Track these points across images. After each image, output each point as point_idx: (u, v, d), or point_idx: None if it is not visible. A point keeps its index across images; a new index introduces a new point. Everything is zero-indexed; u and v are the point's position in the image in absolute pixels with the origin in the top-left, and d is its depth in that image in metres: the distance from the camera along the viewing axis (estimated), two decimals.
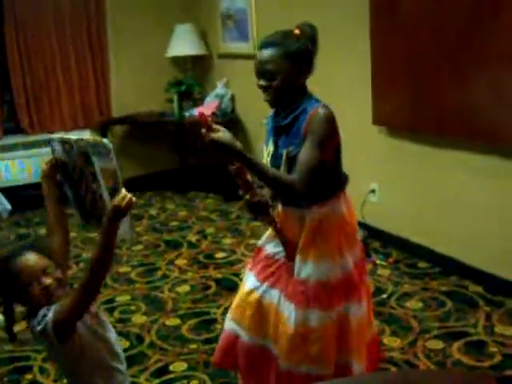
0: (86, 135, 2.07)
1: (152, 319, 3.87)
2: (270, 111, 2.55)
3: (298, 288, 2.48)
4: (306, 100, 2.41)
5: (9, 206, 4.28)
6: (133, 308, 4.05)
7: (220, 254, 4.90)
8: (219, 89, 6.60)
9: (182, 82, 6.71)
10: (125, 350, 3.41)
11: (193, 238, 5.31)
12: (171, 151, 7.15)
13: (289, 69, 2.33)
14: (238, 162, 2.31)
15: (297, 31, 2.38)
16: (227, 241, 5.20)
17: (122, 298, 4.20)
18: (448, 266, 4.22)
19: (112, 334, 2.20)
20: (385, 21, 4.29)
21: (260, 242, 2.72)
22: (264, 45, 2.37)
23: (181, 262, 4.79)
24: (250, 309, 2.61)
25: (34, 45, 6.28)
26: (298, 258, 2.48)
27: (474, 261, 4.03)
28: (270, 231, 2.66)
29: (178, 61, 6.98)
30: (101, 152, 2.00)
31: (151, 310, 4.00)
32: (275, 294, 2.57)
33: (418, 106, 4.17)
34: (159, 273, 4.60)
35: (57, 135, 2.23)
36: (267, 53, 2.34)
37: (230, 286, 4.26)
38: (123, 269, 4.69)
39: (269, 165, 2.46)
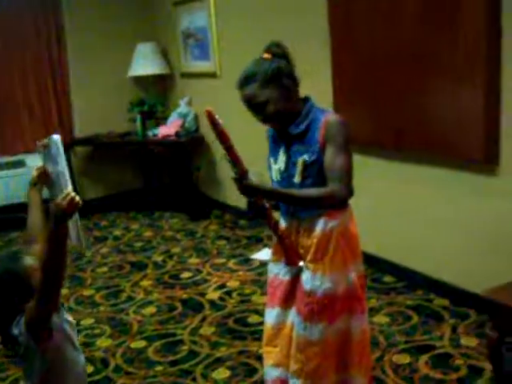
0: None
1: (117, 342, 3.81)
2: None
3: (304, 299, 2.48)
4: (312, 108, 2.47)
5: None
6: (97, 331, 3.98)
7: (186, 274, 4.86)
8: (182, 108, 6.59)
9: (145, 102, 6.70)
10: (89, 375, 3.37)
11: (158, 259, 5.26)
12: (135, 171, 7.11)
13: (275, 92, 2.38)
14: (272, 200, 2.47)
15: (266, 55, 2.43)
16: (193, 260, 5.16)
17: (86, 322, 4.13)
18: (413, 280, 4.24)
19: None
20: (343, 38, 4.33)
21: (270, 274, 2.70)
22: (242, 83, 2.41)
23: (146, 283, 4.74)
24: (287, 343, 2.59)
25: None
26: (307, 269, 2.48)
27: (438, 274, 4.05)
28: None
29: (140, 80, 6.95)
30: (53, 152, 1.99)
31: (116, 333, 3.93)
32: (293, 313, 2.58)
33: (378, 122, 4.21)
34: (124, 295, 4.54)
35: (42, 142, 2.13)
36: (249, 89, 2.39)
37: (196, 307, 4.23)
38: (87, 291, 4.62)
39: (280, 175, 2.51)
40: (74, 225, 1.94)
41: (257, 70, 2.38)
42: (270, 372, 2.65)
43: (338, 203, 2.42)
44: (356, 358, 2.54)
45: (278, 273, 2.64)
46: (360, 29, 4.20)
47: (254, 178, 2.35)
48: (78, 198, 1.83)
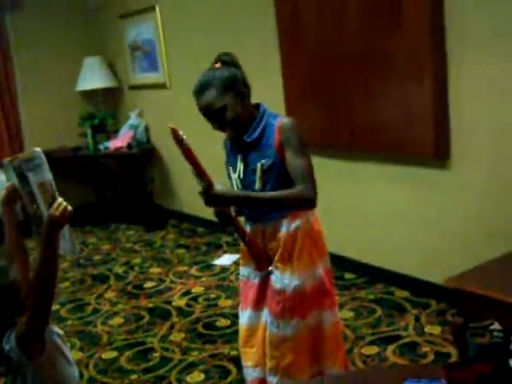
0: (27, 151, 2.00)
1: (88, 354, 3.83)
2: (223, 135, 2.61)
3: (274, 298, 2.55)
4: (265, 114, 2.52)
5: None
6: (67, 345, 3.97)
7: (149, 284, 4.89)
8: (132, 120, 6.61)
9: (95, 116, 6.70)
10: None
11: (119, 270, 5.28)
12: (88, 185, 7.08)
13: (231, 98, 2.42)
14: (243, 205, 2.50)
15: (218, 64, 2.49)
16: (154, 270, 5.20)
17: None
18: (373, 274, 4.38)
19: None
20: (293, 42, 4.44)
21: (241, 277, 2.76)
22: (198, 91, 2.44)
23: (110, 294, 4.76)
24: (261, 343, 2.64)
25: None
26: (276, 269, 2.54)
27: (397, 267, 4.19)
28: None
29: (89, 94, 6.94)
30: (36, 165, 1.96)
31: (86, 346, 3.95)
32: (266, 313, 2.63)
33: (330, 123, 4.32)
34: (89, 308, 4.55)
35: (7, 159, 2.11)
36: (206, 96, 2.42)
37: (162, 314, 4.27)
38: (52, 307, 4.59)
39: (239, 183, 2.55)
40: (66, 232, 1.96)
41: (212, 77, 2.42)
42: (249, 373, 2.71)
43: (304, 203, 2.45)
44: (330, 349, 2.62)
45: (248, 276, 2.70)
46: (308, 30, 4.30)
47: (219, 187, 2.36)
48: (70, 208, 1.85)
